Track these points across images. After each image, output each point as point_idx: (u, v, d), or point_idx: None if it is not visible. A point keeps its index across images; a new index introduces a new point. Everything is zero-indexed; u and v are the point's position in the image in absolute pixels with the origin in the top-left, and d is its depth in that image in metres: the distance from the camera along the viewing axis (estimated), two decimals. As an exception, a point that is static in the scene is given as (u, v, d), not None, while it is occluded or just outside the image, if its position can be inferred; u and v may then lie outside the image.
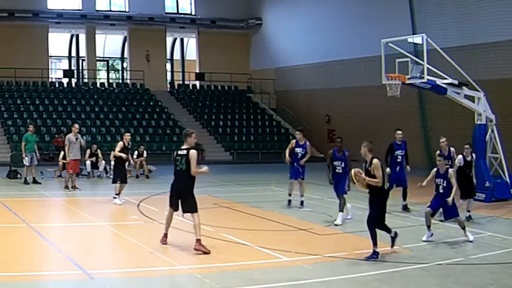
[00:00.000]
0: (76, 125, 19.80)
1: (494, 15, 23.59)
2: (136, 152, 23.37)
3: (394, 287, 8.83)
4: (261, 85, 38.80)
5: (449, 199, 11.78)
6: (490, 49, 24.13)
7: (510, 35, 23.30)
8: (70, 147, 18.99)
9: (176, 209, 11.08)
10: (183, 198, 10.87)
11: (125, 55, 39.92)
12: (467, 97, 18.21)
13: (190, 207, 10.78)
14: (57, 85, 36.47)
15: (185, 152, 10.79)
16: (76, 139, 19.14)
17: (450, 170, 12.37)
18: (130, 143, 16.94)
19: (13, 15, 34.46)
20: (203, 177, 22.82)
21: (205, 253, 10.45)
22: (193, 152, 10.75)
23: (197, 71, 40.34)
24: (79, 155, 19.54)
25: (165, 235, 11.20)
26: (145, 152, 23.38)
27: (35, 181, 20.20)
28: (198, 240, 10.57)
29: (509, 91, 23.02)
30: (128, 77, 38.80)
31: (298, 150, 16.04)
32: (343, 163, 13.96)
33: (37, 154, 20.60)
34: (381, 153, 12.11)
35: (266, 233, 12.77)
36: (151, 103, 35.97)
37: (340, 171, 13.97)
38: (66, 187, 18.79)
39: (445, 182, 11.99)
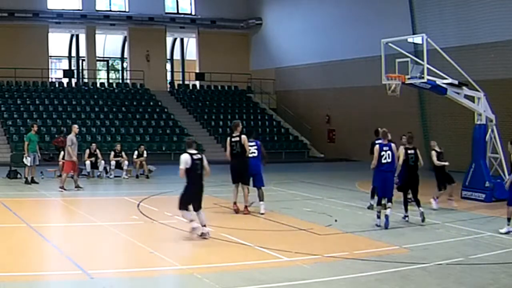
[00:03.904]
0: (76, 126, 19.85)
1: (494, 15, 23.57)
2: (136, 152, 23.40)
3: (394, 287, 8.83)
4: (261, 85, 38.80)
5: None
6: (490, 49, 24.11)
7: (510, 35, 23.29)
8: (74, 148, 18.93)
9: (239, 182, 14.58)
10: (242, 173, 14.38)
11: (125, 55, 39.91)
12: (467, 97, 18.18)
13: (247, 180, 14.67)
14: (57, 85, 36.46)
15: (238, 138, 14.14)
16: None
17: None
18: None
19: (13, 15, 34.47)
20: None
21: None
22: (244, 137, 14.15)
23: (197, 71, 40.34)
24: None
25: (235, 203, 14.61)
26: (145, 152, 23.38)
27: (33, 181, 20.20)
28: (246, 207, 14.53)
29: (509, 91, 23.00)
30: (128, 77, 38.80)
31: None
32: None
33: (39, 154, 20.61)
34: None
35: (266, 233, 12.76)
36: (151, 103, 35.97)
37: None
38: (62, 187, 18.55)
39: None
